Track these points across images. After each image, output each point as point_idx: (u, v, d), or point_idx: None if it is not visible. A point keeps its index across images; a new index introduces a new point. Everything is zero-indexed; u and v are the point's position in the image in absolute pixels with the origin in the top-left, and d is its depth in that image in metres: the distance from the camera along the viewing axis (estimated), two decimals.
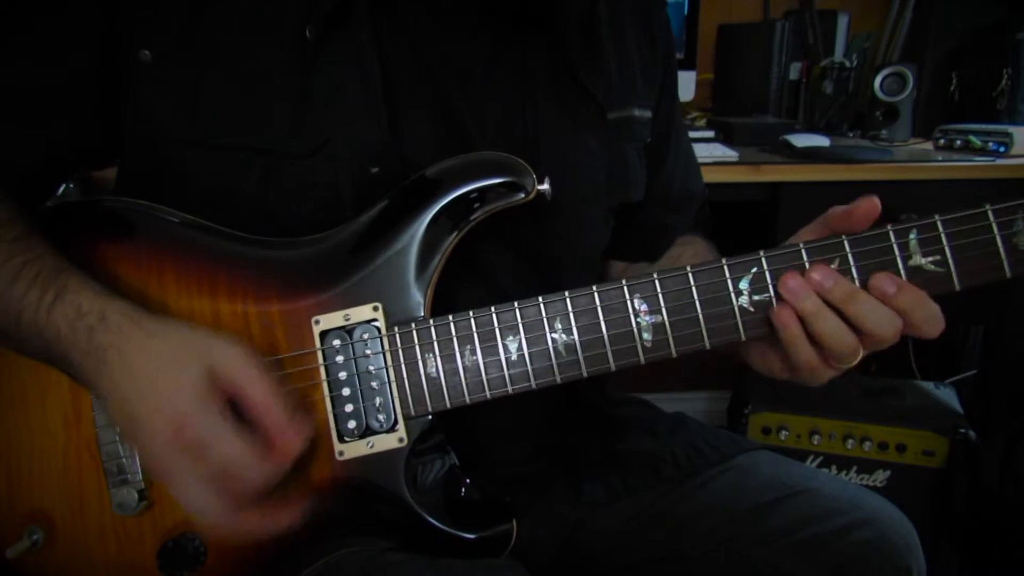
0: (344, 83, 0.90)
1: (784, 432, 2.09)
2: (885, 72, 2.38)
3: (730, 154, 2.05)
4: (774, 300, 0.81)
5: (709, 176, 1.90)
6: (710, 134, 2.32)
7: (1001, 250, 0.77)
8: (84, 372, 0.79)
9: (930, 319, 0.79)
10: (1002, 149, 2.08)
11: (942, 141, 2.26)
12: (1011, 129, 2.09)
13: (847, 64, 2.56)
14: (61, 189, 1.60)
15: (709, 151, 2.05)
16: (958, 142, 2.21)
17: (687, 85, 2.47)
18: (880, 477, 2.05)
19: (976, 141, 2.14)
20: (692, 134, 2.24)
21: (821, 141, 2.19)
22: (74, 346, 0.78)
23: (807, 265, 0.80)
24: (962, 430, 1.97)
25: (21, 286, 0.80)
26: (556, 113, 1.00)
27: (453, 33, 0.96)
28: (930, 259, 0.79)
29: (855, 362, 0.81)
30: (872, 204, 0.80)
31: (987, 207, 0.77)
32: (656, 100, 1.15)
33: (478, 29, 0.97)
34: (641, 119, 1.11)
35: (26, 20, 0.90)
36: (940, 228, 0.78)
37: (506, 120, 0.98)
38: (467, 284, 0.94)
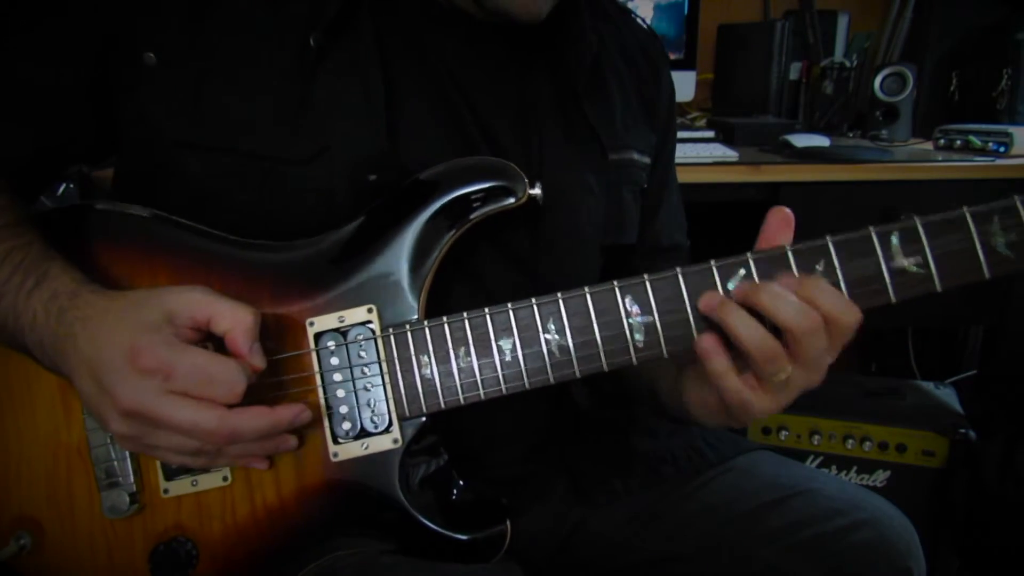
0: (344, 91, 0.90)
1: (784, 432, 2.09)
2: (885, 72, 2.38)
3: (730, 154, 2.04)
4: None
5: (709, 176, 1.91)
6: (710, 134, 2.31)
7: (979, 251, 0.78)
8: (55, 355, 0.79)
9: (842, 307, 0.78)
10: (1002, 149, 2.08)
11: (942, 141, 2.25)
12: (1011, 129, 2.09)
13: (847, 64, 2.56)
14: (61, 189, 1.60)
15: (709, 151, 2.05)
16: (958, 142, 2.20)
17: (687, 85, 2.47)
18: (880, 477, 2.05)
19: (976, 141, 2.14)
20: (692, 134, 2.24)
21: (821, 141, 2.19)
22: (47, 330, 0.79)
23: (793, 267, 0.80)
24: (962, 430, 1.97)
25: (4, 271, 0.81)
26: (559, 146, 1.01)
27: (459, 48, 0.96)
28: (912, 260, 0.79)
29: (782, 376, 0.80)
30: (781, 215, 0.81)
31: (964, 209, 0.78)
32: (657, 149, 1.16)
33: (484, 48, 0.97)
34: (640, 163, 1.12)
35: (28, 19, 0.90)
36: (921, 231, 0.79)
37: (509, 142, 0.98)
38: (462, 288, 0.94)
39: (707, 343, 0.79)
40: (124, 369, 0.74)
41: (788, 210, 0.82)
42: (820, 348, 0.77)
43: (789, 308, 0.75)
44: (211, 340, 0.80)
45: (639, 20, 1.19)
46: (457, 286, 0.93)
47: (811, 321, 0.76)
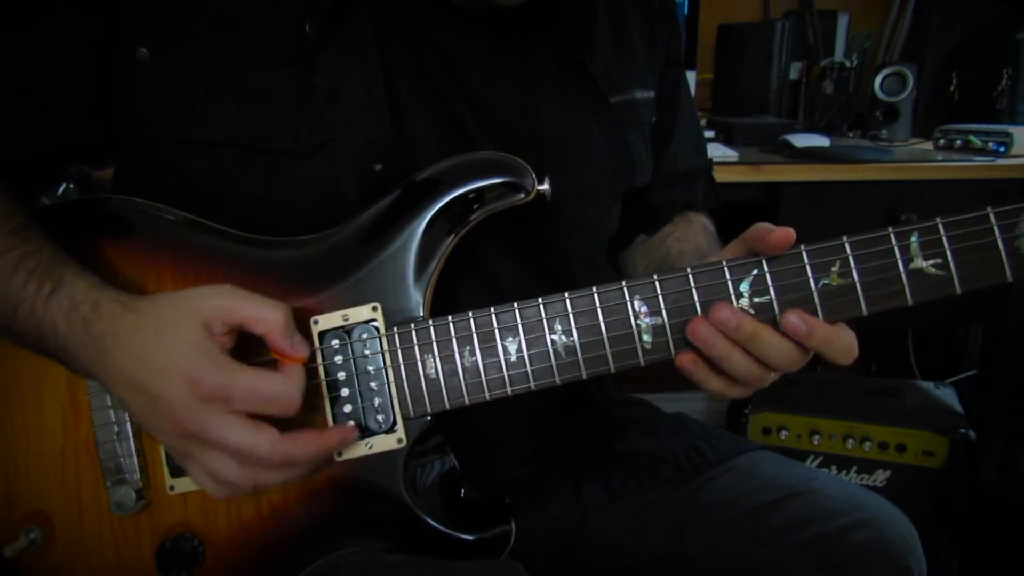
0: (345, 80, 0.89)
1: (784, 432, 2.09)
2: (885, 72, 2.38)
3: (730, 154, 2.05)
4: (776, 304, 0.80)
5: None
6: (710, 134, 2.31)
7: (1003, 253, 0.77)
8: (83, 363, 0.79)
9: (844, 350, 0.81)
10: (1002, 149, 2.08)
11: (942, 141, 2.26)
12: (1011, 129, 2.09)
13: (847, 64, 2.56)
14: (61, 189, 1.60)
15: (709, 151, 2.04)
16: (958, 142, 2.20)
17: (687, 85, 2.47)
18: (880, 477, 2.05)
19: (976, 141, 2.14)
20: None
21: (821, 141, 2.19)
22: (71, 338, 0.79)
23: (808, 268, 0.80)
24: (962, 430, 1.97)
25: (19, 278, 0.80)
26: (558, 104, 0.99)
27: (451, 28, 0.95)
28: (931, 262, 0.78)
29: (766, 384, 0.84)
30: (787, 235, 0.80)
31: (989, 209, 0.76)
32: (661, 69, 1.15)
33: (476, 23, 0.96)
34: (644, 100, 1.11)
35: (22, 19, 0.89)
36: (942, 231, 0.77)
37: (508, 116, 0.97)
38: (468, 285, 0.94)
39: (686, 361, 0.82)
40: (184, 396, 0.75)
41: (794, 238, 0.81)
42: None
43: (782, 355, 0.81)
44: None
45: None
46: (465, 286, 0.93)
47: (797, 361, 0.82)
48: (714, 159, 1.98)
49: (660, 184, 1.19)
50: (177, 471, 0.87)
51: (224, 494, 0.80)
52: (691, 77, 2.49)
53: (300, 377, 0.79)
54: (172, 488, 0.87)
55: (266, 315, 0.78)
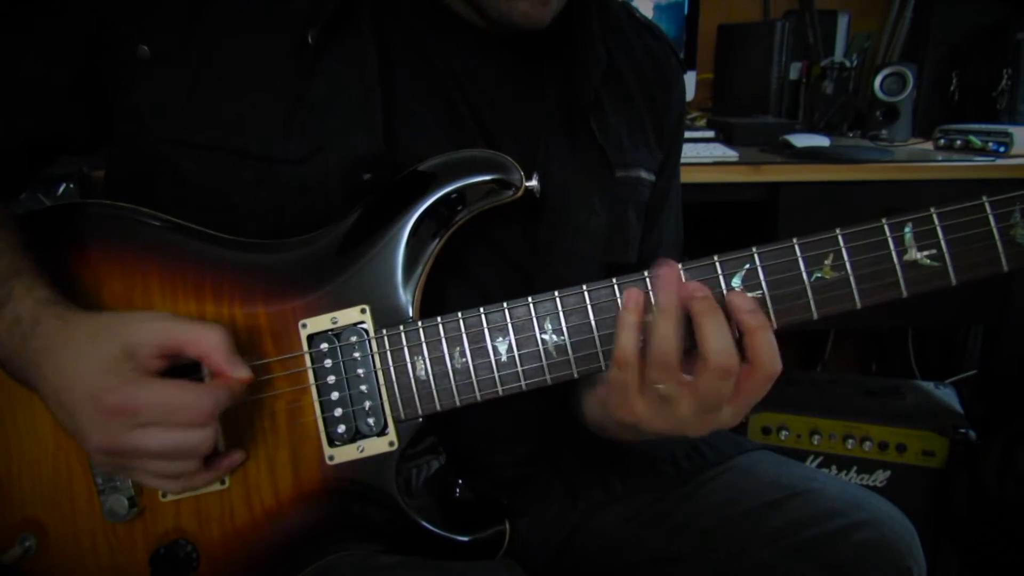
0: (342, 90, 0.89)
1: (784, 432, 2.09)
2: (885, 72, 2.37)
3: (730, 154, 2.04)
4: (768, 298, 0.79)
5: (709, 176, 1.91)
6: (710, 134, 2.30)
7: (998, 243, 0.76)
8: (22, 376, 0.80)
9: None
10: (1002, 149, 2.07)
11: (942, 141, 2.25)
12: (1011, 129, 2.08)
13: (847, 64, 2.55)
14: (61, 189, 1.60)
15: (709, 151, 2.04)
16: (958, 142, 2.20)
17: (687, 85, 2.46)
18: (880, 477, 2.05)
19: (976, 141, 2.14)
20: (692, 134, 2.23)
21: (821, 141, 2.19)
22: (13, 352, 0.79)
23: (800, 261, 0.79)
24: (962, 430, 1.97)
25: None
26: (564, 163, 0.99)
27: (464, 55, 0.96)
28: (926, 253, 0.77)
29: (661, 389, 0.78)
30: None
31: (984, 199, 0.75)
32: (660, 165, 1.15)
33: (491, 58, 0.97)
34: (646, 181, 1.10)
35: (24, 17, 0.90)
36: (936, 221, 0.76)
37: (513, 142, 0.97)
38: (458, 286, 0.93)
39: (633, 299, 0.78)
40: (91, 413, 0.75)
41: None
42: (722, 392, 0.76)
43: (720, 342, 0.74)
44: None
45: (657, 33, 1.16)
46: (455, 288, 0.93)
47: (730, 363, 0.75)
48: (714, 159, 1.99)
49: (638, 268, 1.18)
50: None
51: (180, 486, 0.82)
52: (691, 77, 2.49)
53: (219, 390, 0.78)
54: (165, 495, 0.87)
55: (200, 336, 0.78)
